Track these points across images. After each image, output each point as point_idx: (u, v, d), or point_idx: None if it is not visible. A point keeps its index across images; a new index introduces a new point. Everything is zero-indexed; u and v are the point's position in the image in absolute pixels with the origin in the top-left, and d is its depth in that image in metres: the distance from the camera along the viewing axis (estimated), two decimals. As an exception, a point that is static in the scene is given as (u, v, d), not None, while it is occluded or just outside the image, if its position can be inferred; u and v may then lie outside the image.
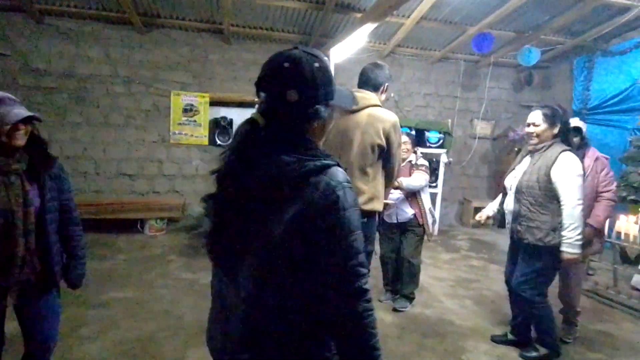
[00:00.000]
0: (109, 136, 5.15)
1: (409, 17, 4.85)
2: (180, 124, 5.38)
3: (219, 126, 5.50)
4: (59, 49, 4.89)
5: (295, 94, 0.86)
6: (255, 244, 0.89)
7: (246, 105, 5.83)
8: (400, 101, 6.10)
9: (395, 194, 3.06)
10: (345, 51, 4.77)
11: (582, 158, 2.58)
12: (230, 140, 0.85)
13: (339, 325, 0.86)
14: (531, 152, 2.43)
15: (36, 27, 4.78)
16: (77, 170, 5.07)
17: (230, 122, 5.57)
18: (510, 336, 2.68)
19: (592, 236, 2.68)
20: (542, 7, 4.65)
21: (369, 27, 3.81)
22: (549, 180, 2.26)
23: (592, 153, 2.71)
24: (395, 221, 3.18)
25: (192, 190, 5.50)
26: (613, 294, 3.53)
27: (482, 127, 6.44)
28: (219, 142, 5.50)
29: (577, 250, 2.22)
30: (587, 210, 2.56)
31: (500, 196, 2.67)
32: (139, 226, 5.01)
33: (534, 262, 2.35)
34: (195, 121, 5.41)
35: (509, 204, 2.48)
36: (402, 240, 3.21)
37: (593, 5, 4.42)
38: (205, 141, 5.49)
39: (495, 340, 2.73)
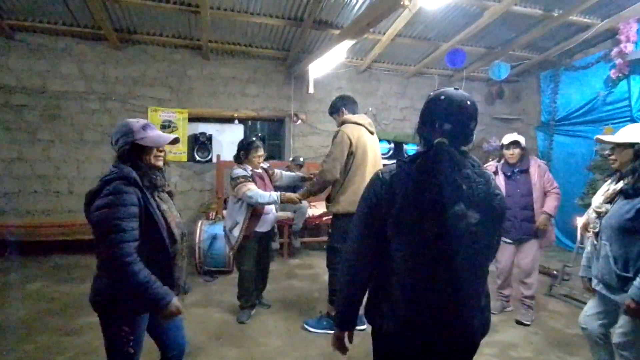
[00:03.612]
0: (83, 154, 5.00)
1: (384, 33, 5.00)
2: (157, 140, 5.28)
3: (198, 142, 5.43)
4: (30, 65, 4.75)
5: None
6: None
7: (225, 120, 5.80)
8: (378, 115, 6.21)
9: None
10: (323, 67, 4.85)
11: (527, 167, 3.10)
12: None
13: None
14: None
15: (6, 43, 4.64)
16: (49, 189, 4.88)
17: (210, 138, 5.51)
18: None
19: (548, 223, 3.06)
20: (509, 25, 4.90)
21: (347, 43, 3.90)
22: None
23: (534, 162, 3.16)
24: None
25: (170, 207, 5.37)
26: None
27: (458, 139, 6.61)
28: (198, 158, 5.43)
29: None
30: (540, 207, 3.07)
31: None
32: (114, 246, 4.83)
33: None
34: (173, 137, 5.33)
35: None
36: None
37: (556, 23, 4.69)
38: (184, 157, 5.40)
39: None
